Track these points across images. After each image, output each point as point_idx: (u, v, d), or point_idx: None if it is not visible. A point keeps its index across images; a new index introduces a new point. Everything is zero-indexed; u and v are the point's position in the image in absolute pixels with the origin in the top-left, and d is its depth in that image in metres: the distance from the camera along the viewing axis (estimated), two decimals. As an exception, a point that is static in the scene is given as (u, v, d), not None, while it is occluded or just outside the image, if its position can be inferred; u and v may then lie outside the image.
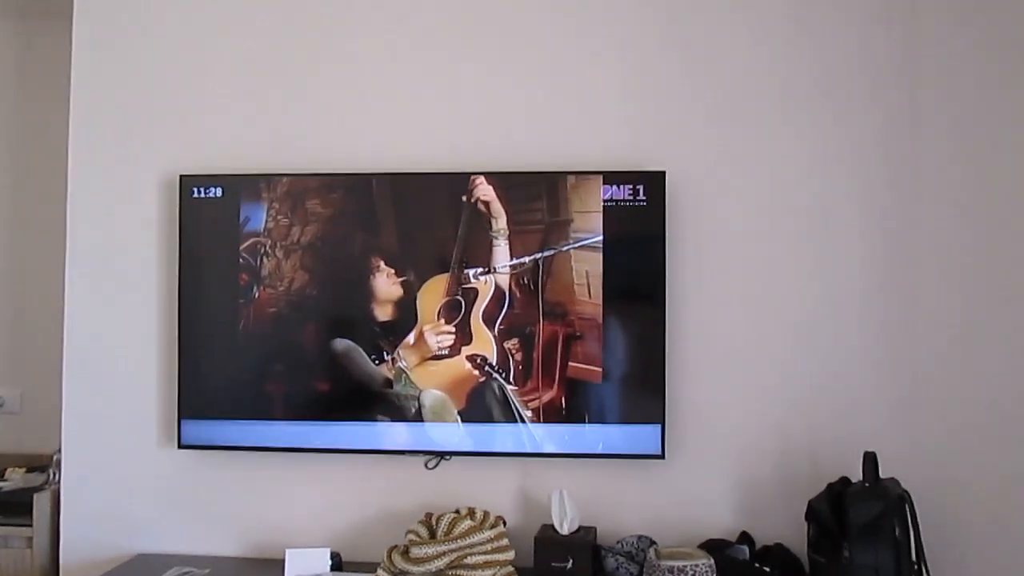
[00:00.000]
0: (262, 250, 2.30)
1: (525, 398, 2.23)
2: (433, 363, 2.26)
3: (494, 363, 2.24)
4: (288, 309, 2.29)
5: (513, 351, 2.23)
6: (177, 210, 2.34)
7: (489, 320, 2.24)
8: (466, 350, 2.25)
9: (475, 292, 2.25)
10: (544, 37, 2.33)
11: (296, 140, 2.37)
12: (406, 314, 2.26)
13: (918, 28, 2.22)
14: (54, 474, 2.51)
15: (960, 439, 2.18)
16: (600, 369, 2.21)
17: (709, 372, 2.26)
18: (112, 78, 2.43)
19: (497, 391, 2.24)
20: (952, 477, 2.16)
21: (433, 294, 2.26)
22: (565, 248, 2.22)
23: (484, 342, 2.24)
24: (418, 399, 2.26)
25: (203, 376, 2.32)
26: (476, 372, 2.24)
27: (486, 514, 2.16)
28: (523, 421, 2.23)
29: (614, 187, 2.21)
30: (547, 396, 2.22)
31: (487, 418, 2.24)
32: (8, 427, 2.87)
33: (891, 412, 2.21)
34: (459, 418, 2.24)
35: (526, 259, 2.23)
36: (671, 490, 2.26)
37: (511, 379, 2.23)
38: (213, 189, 2.32)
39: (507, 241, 2.24)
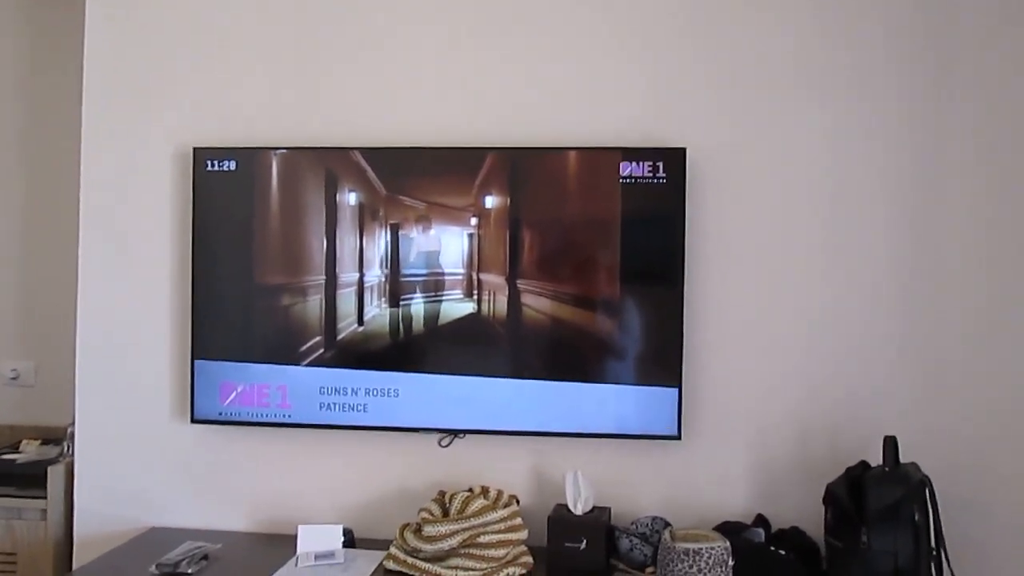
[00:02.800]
0: (275, 223, 2.28)
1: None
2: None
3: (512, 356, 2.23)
4: (302, 284, 2.28)
5: (535, 340, 2.22)
6: (191, 183, 2.32)
7: (505, 308, 2.21)
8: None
9: (489, 283, 2.22)
10: (562, 11, 2.28)
11: (312, 114, 2.34)
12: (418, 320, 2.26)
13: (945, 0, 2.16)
14: (68, 447, 2.51)
15: (981, 424, 2.15)
16: (619, 345, 2.19)
17: (727, 352, 2.23)
18: (125, 49, 2.41)
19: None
20: (972, 462, 2.13)
21: (450, 282, 2.25)
22: (587, 229, 2.20)
23: (499, 331, 2.22)
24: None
25: (217, 350, 2.31)
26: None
27: (500, 493, 2.15)
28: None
29: (633, 164, 2.17)
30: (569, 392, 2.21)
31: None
32: (22, 399, 2.87)
33: (911, 396, 2.17)
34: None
35: (545, 242, 2.20)
36: (687, 471, 2.24)
37: (530, 376, 2.22)
38: (227, 162, 2.29)
39: (525, 223, 2.21)
